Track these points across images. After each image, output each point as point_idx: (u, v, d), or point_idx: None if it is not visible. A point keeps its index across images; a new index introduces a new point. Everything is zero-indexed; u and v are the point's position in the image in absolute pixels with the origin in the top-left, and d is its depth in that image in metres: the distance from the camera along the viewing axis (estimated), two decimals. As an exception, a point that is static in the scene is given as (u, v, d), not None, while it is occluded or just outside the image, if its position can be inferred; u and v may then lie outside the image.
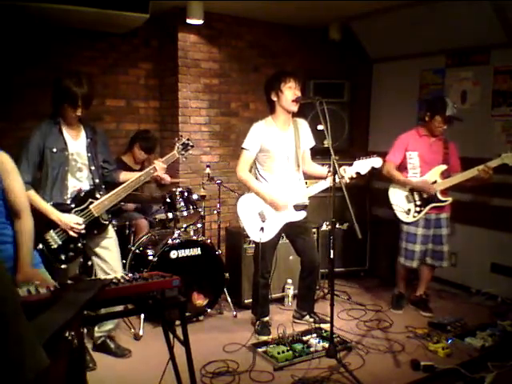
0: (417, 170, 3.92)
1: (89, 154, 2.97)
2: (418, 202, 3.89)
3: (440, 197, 3.85)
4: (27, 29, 4.11)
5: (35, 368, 0.90)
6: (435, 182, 3.86)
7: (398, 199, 3.97)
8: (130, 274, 2.13)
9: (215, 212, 4.25)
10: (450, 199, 3.88)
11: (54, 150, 2.83)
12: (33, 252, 2.28)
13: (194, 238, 3.82)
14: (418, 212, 3.89)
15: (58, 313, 1.08)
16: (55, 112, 2.90)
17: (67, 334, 1.08)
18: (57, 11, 3.60)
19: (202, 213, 4.11)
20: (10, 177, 2.19)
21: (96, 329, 3.21)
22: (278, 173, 3.48)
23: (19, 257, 2.19)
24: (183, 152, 3.24)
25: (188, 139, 3.27)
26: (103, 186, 3.05)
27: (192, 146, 3.29)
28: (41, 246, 2.78)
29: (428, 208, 3.87)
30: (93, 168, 2.98)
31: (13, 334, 0.87)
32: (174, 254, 3.65)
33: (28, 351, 0.90)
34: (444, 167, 3.86)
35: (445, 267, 4.03)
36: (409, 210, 3.92)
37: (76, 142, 2.94)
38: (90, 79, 2.94)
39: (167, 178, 3.41)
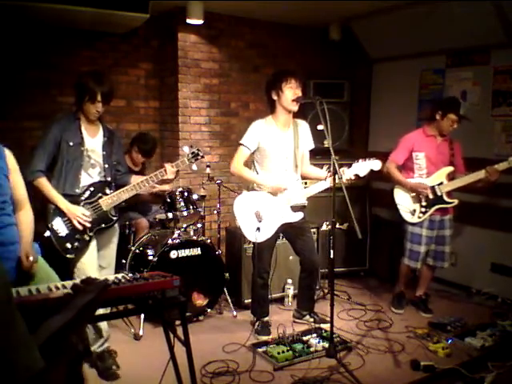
0: (423, 171, 3.89)
1: (104, 152, 3.06)
2: (424, 203, 3.86)
3: (446, 198, 3.83)
4: (27, 29, 4.11)
5: (28, 369, 0.89)
6: (441, 183, 3.84)
7: (403, 199, 3.95)
8: (130, 274, 2.13)
9: (215, 212, 4.25)
10: (456, 201, 3.86)
11: (71, 143, 2.93)
12: (32, 244, 2.42)
13: (194, 238, 3.82)
14: (424, 213, 3.86)
15: (59, 315, 1.08)
16: (78, 108, 3.00)
17: (72, 337, 1.07)
18: (57, 11, 3.60)
19: (202, 213, 4.11)
20: (15, 172, 2.39)
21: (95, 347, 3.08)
22: (276, 172, 3.47)
23: (20, 246, 2.33)
24: (192, 160, 3.29)
25: (198, 149, 3.32)
26: (113, 184, 3.12)
27: (202, 157, 3.33)
28: (48, 233, 2.87)
29: (433, 209, 3.84)
30: (106, 166, 3.07)
31: (5, 334, 0.87)
32: (173, 254, 3.65)
33: (22, 352, 0.89)
34: (451, 169, 3.84)
35: (446, 268, 4.04)
36: (414, 210, 3.90)
37: (93, 140, 3.03)
38: (109, 78, 3.17)
39: (166, 188, 3.47)
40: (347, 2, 4.30)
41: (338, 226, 4.64)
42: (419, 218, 3.87)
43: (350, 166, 3.36)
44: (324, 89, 5.02)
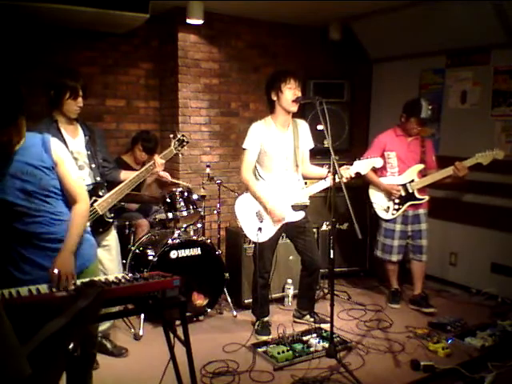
0: (395, 170, 4.06)
1: (88, 152, 2.97)
2: (397, 200, 4.04)
3: (417, 195, 4.00)
4: (27, 29, 4.11)
5: (13, 377, 0.88)
6: (412, 181, 4.00)
7: (378, 197, 4.14)
8: (130, 274, 2.13)
9: (215, 212, 4.25)
10: (427, 197, 4.02)
11: None
12: (79, 237, 2.22)
13: (194, 238, 3.82)
14: (397, 210, 4.06)
15: (59, 318, 1.07)
16: (52, 111, 2.91)
17: (68, 343, 1.06)
18: (57, 11, 3.60)
19: (202, 213, 4.11)
20: (61, 165, 2.21)
21: None
22: (276, 172, 3.47)
23: (65, 238, 2.17)
24: (179, 148, 3.28)
25: (183, 135, 3.31)
26: (105, 184, 3.06)
27: (187, 142, 3.32)
28: None
29: (406, 206, 4.03)
30: (93, 166, 2.98)
31: None
32: (173, 254, 3.65)
33: (12, 358, 0.88)
34: (421, 166, 4.01)
35: (424, 261, 4.10)
36: (388, 207, 4.09)
37: (75, 141, 2.94)
38: (80, 72, 3.13)
39: (168, 177, 3.45)
40: (347, 1, 4.30)
41: (337, 225, 4.64)
42: (393, 214, 4.07)
43: (350, 165, 3.36)
44: (324, 89, 5.02)
